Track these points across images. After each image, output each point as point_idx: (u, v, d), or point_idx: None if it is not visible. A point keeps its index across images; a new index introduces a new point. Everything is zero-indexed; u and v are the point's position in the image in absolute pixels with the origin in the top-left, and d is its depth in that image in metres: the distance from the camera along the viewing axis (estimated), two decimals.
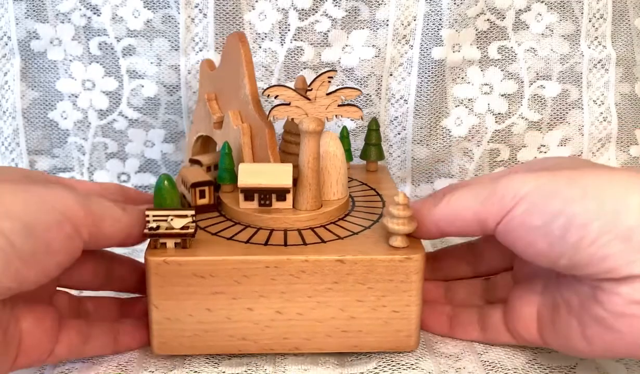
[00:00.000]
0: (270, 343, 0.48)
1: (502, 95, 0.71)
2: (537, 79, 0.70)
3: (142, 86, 0.67)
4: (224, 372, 0.48)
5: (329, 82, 0.47)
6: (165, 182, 0.50)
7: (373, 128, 0.62)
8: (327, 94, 0.48)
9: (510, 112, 0.71)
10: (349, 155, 0.59)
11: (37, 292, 0.43)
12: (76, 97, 0.68)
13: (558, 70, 0.70)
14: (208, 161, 0.56)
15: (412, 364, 0.48)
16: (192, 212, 0.50)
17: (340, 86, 0.51)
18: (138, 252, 0.51)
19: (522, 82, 0.70)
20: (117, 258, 0.53)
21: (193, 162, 0.59)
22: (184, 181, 0.55)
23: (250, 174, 0.52)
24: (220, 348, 0.49)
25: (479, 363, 0.48)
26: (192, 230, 0.51)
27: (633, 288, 0.37)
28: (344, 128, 0.61)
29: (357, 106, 0.49)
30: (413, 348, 0.49)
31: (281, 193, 0.53)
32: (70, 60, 0.66)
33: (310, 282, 0.47)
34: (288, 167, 0.52)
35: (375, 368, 0.47)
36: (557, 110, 0.72)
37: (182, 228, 0.51)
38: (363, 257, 0.46)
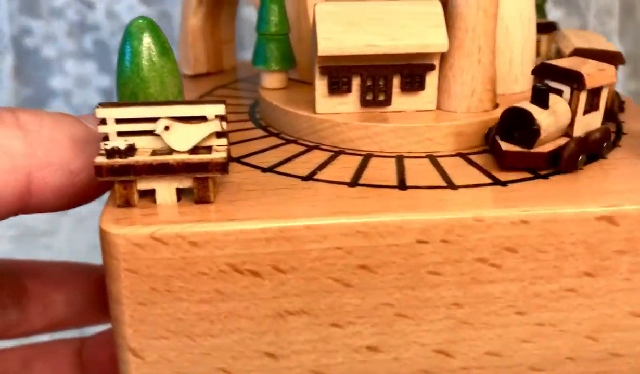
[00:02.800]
0: None
1: None
2: None
3: None
4: None
5: None
6: (146, 30, 0.19)
7: None
8: None
9: None
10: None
11: None
12: (70, 94, 0.64)
13: None
14: None
15: None
16: (222, 109, 0.18)
17: None
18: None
19: None
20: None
21: None
22: None
23: (347, 27, 0.22)
24: None
25: None
26: (223, 156, 0.18)
27: None
28: None
29: None
30: None
31: (416, 73, 0.23)
32: (64, 57, 0.64)
33: (522, 274, 0.20)
34: (434, 6, 0.23)
35: None
36: None
37: (197, 150, 0.18)
38: None
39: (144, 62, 0.20)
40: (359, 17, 0.23)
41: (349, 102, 0.24)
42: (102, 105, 0.19)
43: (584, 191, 0.20)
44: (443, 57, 0.24)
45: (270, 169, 0.22)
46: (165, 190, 0.19)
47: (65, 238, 0.56)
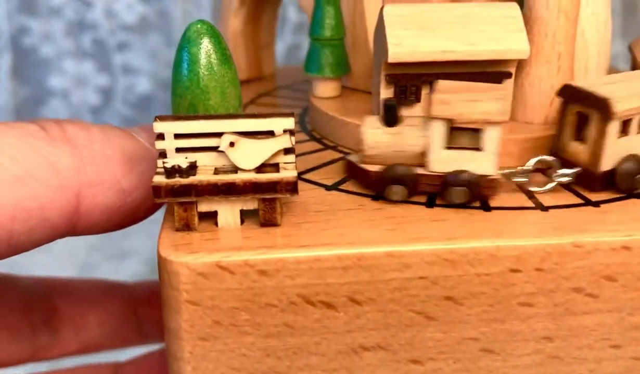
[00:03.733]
0: None
1: None
2: None
3: (136, 82, 0.63)
4: None
5: None
6: (207, 38, 0.17)
7: None
8: None
9: None
10: None
11: None
12: (68, 93, 0.64)
13: None
14: None
15: None
16: (291, 121, 0.16)
17: None
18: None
19: None
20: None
21: None
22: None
23: (419, 31, 0.20)
24: None
25: None
26: (294, 175, 0.16)
27: None
28: None
29: None
30: None
31: (491, 81, 0.21)
32: (63, 56, 0.63)
33: (621, 305, 0.18)
34: (512, 9, 0.21)
35: None
36: None
37: (263, 168, 0.16)
38: None
39: (203, 71, 0.18)
40: (432, 21, 0.21)
41: (417, 113, 0.22)
42: (160, 118, 0.17)
43: None
44: (518, 64, 0.22)
45: (335, 187, 0.20)
46: (229, 212, 0.18)
47: (65, 239, 0.54)
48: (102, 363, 0.28)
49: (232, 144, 0.17)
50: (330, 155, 0.23)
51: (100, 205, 0.18)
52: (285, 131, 0.18)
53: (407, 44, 0.20)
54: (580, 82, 0.20)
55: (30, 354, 0.26)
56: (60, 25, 0.64)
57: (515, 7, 0.21)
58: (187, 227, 0.18)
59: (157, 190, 0.17)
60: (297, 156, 0.23)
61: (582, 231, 0.18)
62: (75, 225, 0.18)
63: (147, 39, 0.65)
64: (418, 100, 0.22)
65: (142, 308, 0.28)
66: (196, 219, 0.18)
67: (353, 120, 0.23)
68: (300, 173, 0.21)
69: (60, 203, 0.18)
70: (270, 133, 0.18)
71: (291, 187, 0.17)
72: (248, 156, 0.17)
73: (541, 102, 0.22)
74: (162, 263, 0.17)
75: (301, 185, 0.20)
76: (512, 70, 0.21)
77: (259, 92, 0.31)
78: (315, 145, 0.24)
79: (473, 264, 0.17)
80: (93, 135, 0.19)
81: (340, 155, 0.23)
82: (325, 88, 0.25)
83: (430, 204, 0.19)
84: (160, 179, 0.17)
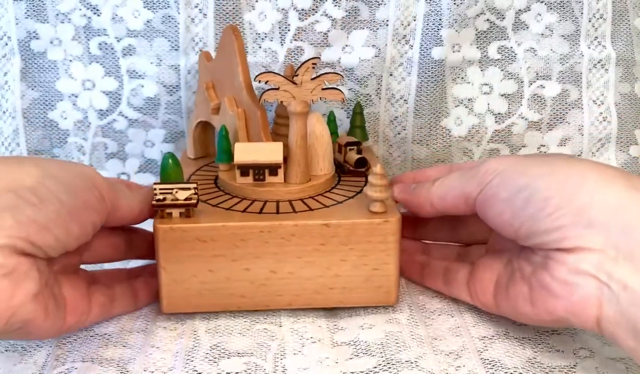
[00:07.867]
0: (265, 300, 0.54)
1: (501, 95, 0.71)
2: (537, 79, 0.70)
3: (142, 86, 0.68)
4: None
5: (313, 67, 0.54)
6: (170, 160, 0.57)
7: (357, 112, 0.67)
8: (312, 79, 0.54)
9: (510, 112, 0.72)
10: (335, 138, 0.65)
11: (68, 263, 0.50)
12: (76, 97, 0.68)
13: (558, 70, 0.70)
14: None
15: (412, 363, 0.48)
16: (195, 185, 0.56)
17: (324, 72, 0.58)
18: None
19: (521, 82, 0.71)
20: (134, 229, 0.58)
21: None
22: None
23: (245, 152, 0.59)
24: (221, 306, 0.54)
25: (478, 360, 0.48)
26: (195, 201, 0.56)
27: (577, 259, 0.41)
28: (331, 113, 0.67)
29: (339, 89, 0.55)
30: (392, 303, 0.54)
31: (273, 169, 0.59)
32: (70, 60, 0.66)
33: (299, 244, 0.53)
34: (278, 145, 0.60)
35: (375, 367, 0.48)
36: (557, 110, 0.72)
37: (186, 199, 0.56)
38: (346, 221, 0.52)
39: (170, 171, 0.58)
40: (251, 149, 0.60)
41: (249, 179, 0.61)
42: (156, 183, 0.57)
43: (318, 215, 0.57)
44: (285, 161, 0.61)
45: (216, 205, 0.59)
46: (176, 212, 0.57)
47: None
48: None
49: (177, 191, 0.57)
50: (221, 193, 0.62)
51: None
52: (193, 188, 0.57)
53: (241, 156, 0.60)
54: None
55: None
56: (68, 30, 0.64)
57: (279, 144, 0.60)
58: (162, 217, 0.57)
59: (154, 205, 0.56)
60: (206, 194, 0.62)
61: (295, 219, 0.57)
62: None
63: (152, 43, 0.66)
64: (248, 174, 0.61)
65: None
66: (165, 214, 0.57)
67: (229, 181, 0.62)
68: (205, 200, 0.60)
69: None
70: (189, 189, 0.57)
71: (194, 206, 0.57)
72: (181, 196, 0.57)
73: (294, 175, 0.60)
74: (154, 227, 0.56)
75: (204, 206, 0.60)
76: (281, 164, 0.60)
77: (202, 165, 0.71)
78: (216, 190, 0.63)
79: (253, 229, 0.56)
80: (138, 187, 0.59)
81: (222, 193, 0.62)
82: (224, 166, 0.65)
83: (244, 211, 0.58)
84: (154, 202, 0.56)
